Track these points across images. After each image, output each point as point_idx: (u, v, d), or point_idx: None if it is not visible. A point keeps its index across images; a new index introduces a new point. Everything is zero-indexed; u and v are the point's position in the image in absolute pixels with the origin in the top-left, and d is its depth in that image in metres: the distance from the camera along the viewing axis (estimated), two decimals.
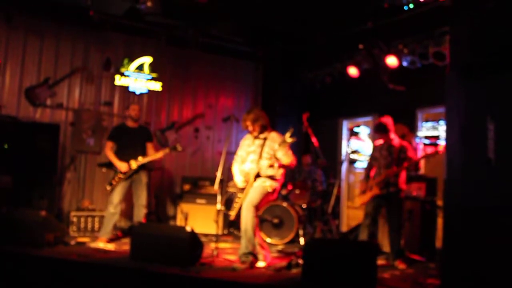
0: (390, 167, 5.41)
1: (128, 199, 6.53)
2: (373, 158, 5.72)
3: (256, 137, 5.16)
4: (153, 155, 6.20)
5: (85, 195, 7.65)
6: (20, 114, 7.13)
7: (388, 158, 5.49)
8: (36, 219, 5.33)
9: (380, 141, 5.70)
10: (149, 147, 6.33)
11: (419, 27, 6.80)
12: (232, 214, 5.02)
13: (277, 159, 4.95)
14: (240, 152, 5.26)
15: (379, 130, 5.62)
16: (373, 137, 5.95)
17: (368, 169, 5.77)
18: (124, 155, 6.12)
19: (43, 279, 4.41)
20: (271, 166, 4.92)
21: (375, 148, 5.77)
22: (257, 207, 4.93)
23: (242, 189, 5.02)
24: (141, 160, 6.10)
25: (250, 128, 5.13)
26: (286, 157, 4.94)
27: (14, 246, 4.87)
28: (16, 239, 5.03)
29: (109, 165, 6.21)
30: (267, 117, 5.19)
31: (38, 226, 5.21)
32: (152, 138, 6.52)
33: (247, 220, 4.85)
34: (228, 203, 7.36)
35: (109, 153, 6.20)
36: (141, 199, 6.21)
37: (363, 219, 5.59)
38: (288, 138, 4.75)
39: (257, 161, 4.99)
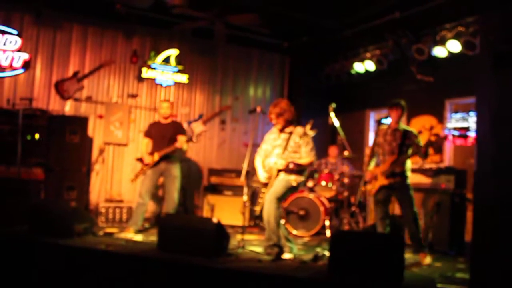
0: (394, 154, 5.12)
1: (156, 190, 6.60)
2: (376, 144, 5.33)
3: (281, 131, 5.12)
4: (172, 145, 6.20)
5: (113, 186, 7.78)
6: (50, 107, 7.30)
7: (393, 144, 5.18)
8: (66, 210, 5.44)
9: (384, 127, 5.36)
10: (181, 140, 6.30)
11: (448, 16, 6.63)
12: (257, 209, 5.00)
13: (294, 157, 4.92)
14: (265, 146, 5.22)
15: (394, 105, 5.23)
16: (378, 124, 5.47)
17: (370, 156, 5.41)
18: (155, 149, 6.22)
19: (72, 269, 4.50)
20: (287, 166, 4.87)
21: (378, 133, 5.34)
22: (280, 200, 4.92)
23: (266, 184, 5.01)
24: (163, 151, 6.15)
25: (274, 121, 5.09)
26: (306, 156, 4.93)
27: (45, 236, 4.98)
28: (46, 229, 5.13)
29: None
30: (293, 112, 5.08)
31: (68, 217, 5.31)
32: (184, 131, 6.49)
33: (270, 211, 4.84)
34: (254, 197, 7.38)
35: (142, 147, 6.41)
36: (171, 192, 6.24)
37: (375, 212, 5.30)
38: (309, 130, 4.69)
39: (281, 155, 4.97)
